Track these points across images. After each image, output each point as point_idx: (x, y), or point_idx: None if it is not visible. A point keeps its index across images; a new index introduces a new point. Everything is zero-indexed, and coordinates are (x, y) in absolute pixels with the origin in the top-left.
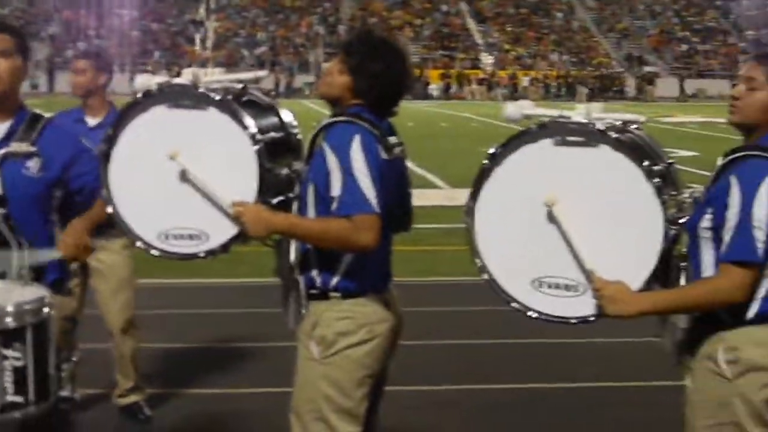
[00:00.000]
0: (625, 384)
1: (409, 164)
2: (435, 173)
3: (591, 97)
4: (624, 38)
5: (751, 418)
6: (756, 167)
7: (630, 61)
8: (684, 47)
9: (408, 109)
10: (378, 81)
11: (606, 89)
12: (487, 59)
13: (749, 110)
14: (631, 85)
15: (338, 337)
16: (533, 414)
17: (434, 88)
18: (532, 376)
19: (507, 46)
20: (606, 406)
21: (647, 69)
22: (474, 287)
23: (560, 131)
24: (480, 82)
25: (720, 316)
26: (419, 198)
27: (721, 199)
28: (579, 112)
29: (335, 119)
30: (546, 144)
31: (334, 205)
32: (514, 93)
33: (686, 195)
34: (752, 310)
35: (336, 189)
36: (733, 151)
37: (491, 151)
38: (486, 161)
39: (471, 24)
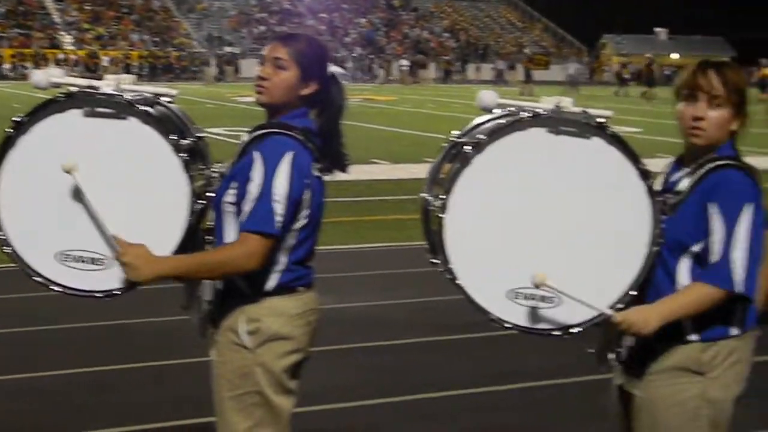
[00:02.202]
0: (185, 360)
1: None
2: None
3: (219, 79)
4: (204, 19)
5: (272, 386)
6: (278, 144)
7: (210, 41)
8: (262, 28)
9: None
10: None
11: (186, 69)
12: (65, 38)
13: (277, 90)
14: (212, 65)
15: None
16: (100, 397)
17: (8, 67)
18: (97, 359)
19: (86, 25)
20: (164, 384)
21: (228, 49)
22: None
23: (89, 102)
24: (58, 61)
25: (241, 288)
26: None
27: (244, 173)
28: (108, 83)
29: None
30: (75, 114)
31: None
32: (95, 72)
33: (215, 169)
34: (271, 282)
35: None
36: (258, 127)
37: (16, 119)
38: (10, 129)
39: (48, 2)
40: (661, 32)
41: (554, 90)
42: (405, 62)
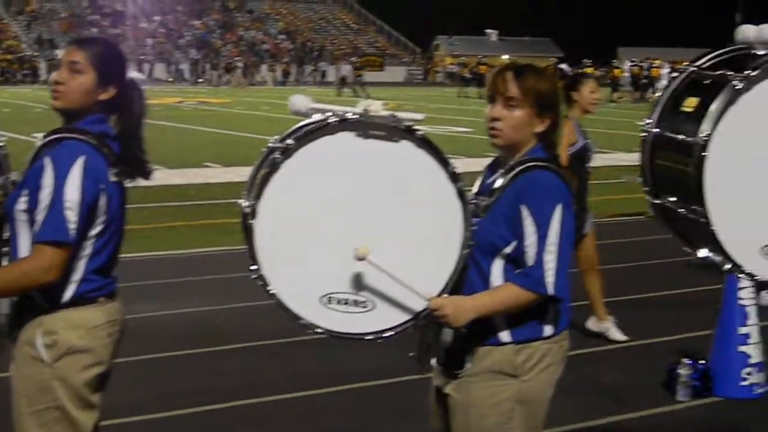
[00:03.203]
0: None
1: None
2: None
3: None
4: (34, 21)
5: (72, 400)
6: (69, 149)
7: (41, 44)
8: (94, 30)
9: None
10: None
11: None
12: None
13: (73, 95)
14: (43, 68)
15: None
16: None
17: None
18: None
19: None
20: None
21: (58, 52)
22: None
23: None
24: None
25: (37, 300)
26: None
27: (35, 180)
28: None
29: None
30: None
31: None
32: None
33: (12, 177)
34: (68, 293)
35: None
36: (51, 133)
37: None
38: None
39: None
40: (492, 34)
41: (388, 91)
42: (240, 64)
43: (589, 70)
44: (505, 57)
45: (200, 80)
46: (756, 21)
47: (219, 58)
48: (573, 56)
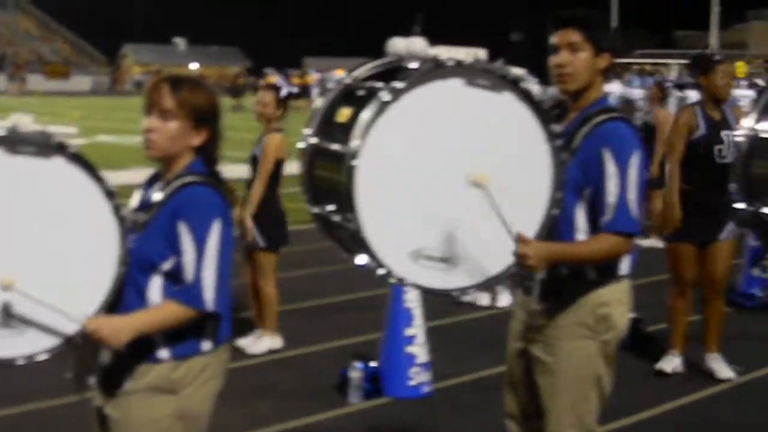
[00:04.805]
0: None
1: None
2: None
3: None
4: None
5: None
6: None
7: None
8: None
9: None
10: None
11: None
12: None
13: None
14: None
15: None
16: None
17: None
18: None
19: None
20: None
21: None
22: None
23: None
24: None
25: None
26: None
27: None
28: None
29: None
30: None
31: None
32: None
33: None
34: None
35: None
36: None
37: None
38: None
39: None
40: (180, 42)
41: (73, 101)
42: None
43: (272, 79)
44: (194, 65)
45: None
46: (426, 32)
47: None
48: (260, 65)
